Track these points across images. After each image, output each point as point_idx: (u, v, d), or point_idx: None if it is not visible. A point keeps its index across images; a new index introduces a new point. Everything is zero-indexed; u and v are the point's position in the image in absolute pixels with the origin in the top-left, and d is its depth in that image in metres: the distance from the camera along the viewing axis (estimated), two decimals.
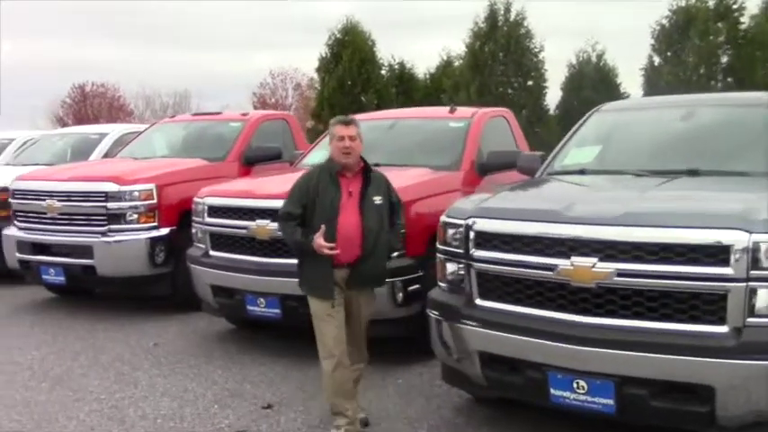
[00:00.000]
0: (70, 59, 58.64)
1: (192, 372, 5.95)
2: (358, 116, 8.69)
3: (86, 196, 7.63)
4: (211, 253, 6.47)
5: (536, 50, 15.62)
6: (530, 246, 4.04)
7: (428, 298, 4.73)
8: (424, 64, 20.41)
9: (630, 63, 30.77)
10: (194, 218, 6.73)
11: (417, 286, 5.83)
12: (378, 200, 4.62)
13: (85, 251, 7.56)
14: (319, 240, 4.39)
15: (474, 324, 4.26)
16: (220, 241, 6.41)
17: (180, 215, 7.77)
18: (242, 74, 63.11)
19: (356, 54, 17.04)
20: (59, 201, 7.73)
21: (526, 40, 15.37)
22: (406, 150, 7.23)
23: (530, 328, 3.99)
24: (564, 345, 3.84)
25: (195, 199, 6.72)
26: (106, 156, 10.66)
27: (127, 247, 7.52)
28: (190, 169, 8.19)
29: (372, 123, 7.83)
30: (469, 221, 4.34)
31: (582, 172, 5.21)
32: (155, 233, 7.60)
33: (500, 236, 4.18)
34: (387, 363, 5.91)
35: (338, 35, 17.60)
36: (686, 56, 14.27)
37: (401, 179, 6.13)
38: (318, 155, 7.75)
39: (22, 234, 8.05)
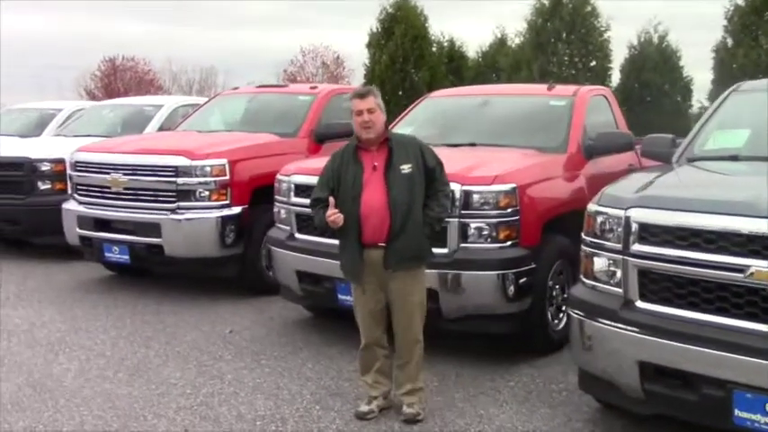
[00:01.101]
0: (95, 32, 58.13)
1: (279, 365, 5.45)
2: (443, 92, 8.23)
3: (155, 170, 7.13)
4: (297, 236, 5.96)
5: (602, 29, 14.88)
6: (712, 242, 3.47)
7: (570, 295, 4.20)
8: (475, 42, 19.74)
9: (694, 48, 29.94)
10: (277, 197, 6.21)
11: (529, 279, 5.30)
12: (406, 168, 4.19)
13: (153, 229, 7.08)
14: (328, 214, 4.18)
15: (634, 329, 3.70)
16: (309, 223, 5.88)
17: (251, 193, 7.28)
18: (268, 51, 62.36)
19: (409, 30, 16.38)
20: (125, 174, 7.24)
21: (592, 18, 14.64)
22: (502, 129, 6.68)
23: (711, 338, 3.44)
24: (757, 360, 3.29)
25: (279, 176, 6.20)
26: (161, 129, 10.20)
27: (197, 225, 7.02)
28: (262, 145, 7.68)
29: (462, 100, 7.31)
30: (630, 212, 3.77)
31: (735, 158, 4.60)
32: (226, 212, 7.10)
33: (672, 229, 3.61)
34: (486, 363, 5.42)
35: (390, 10, 16.93)
36: (764, 38, 13.47)
37: (508, 161, 5.63)
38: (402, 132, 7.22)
39: (83, 209, 7.58)
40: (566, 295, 5.87)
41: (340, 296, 5.58)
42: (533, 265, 5.32)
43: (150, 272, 8.19)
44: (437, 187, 4.31)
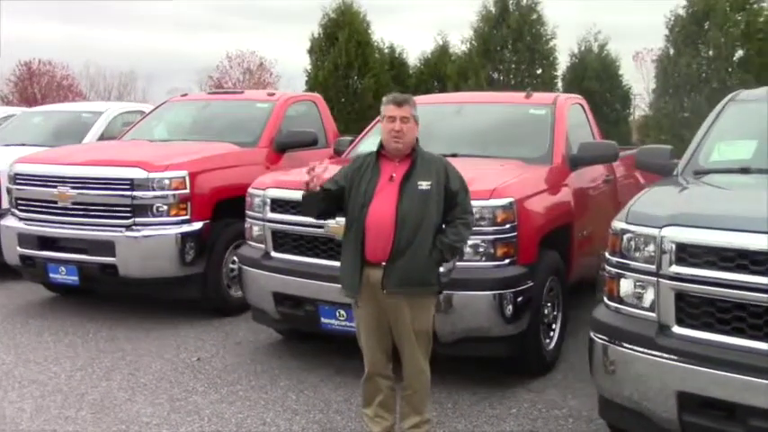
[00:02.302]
0: (6, 34, 55.46)
1: (259, 396, 5.01)
2: (417, 98, 7.88)
3: (107, 184, 6.55)
4: (274, 254, 5.52)
5: (548, 37, 14.87)
6: (761, 264, 3.25)
7: (592, 319, 3.91)
8: (415, 49, 19.52)
9: (630, 57, 30.75)
10: (249, 212, 5.76)
11: (526, 298, 5.02)
12: (424, 185, 3.83)
13: (105, 247, 6.50)
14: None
15: (673, 357, 3.45)
16: (286, 241, 5.47)
17: (213, 207, 6.80)
18: (188, 56, 60.89)
19: (353, 35, 16.03)
20: (73, 188, 6.63)
21: (538, 25, 14.61)
22: (483, 139, 6.41)
23: (759, 366, 3.21)
24: None
25: (252, 190, 5.75)
26: (102, 138, 9.57)
27: (155, 243, 6.48)
28: (222, 155, 7.19)
29: (437, 108, 6.97)
30: (666, 231, 3.52)
31: (746, 170, 4.42)
32: (186, 228, 6.59)
33: (716, 250, 3.37)
34: (480, 387, 5.14)
35: (333, 15, 16.55)
36: (705, 48, 13.69)
37: (502, 174, 5.33)
38: (374, 142, 6.85)
39: (24, 225, 6.92)
40: (555, 313, 5.65)
41: (323, 320, 5.18)
42: (531, 284, 5.04)
43: (96, 291, 7.56)
44: (457, 214, 3.92)
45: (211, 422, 4.58)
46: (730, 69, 14.29)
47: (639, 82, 29.03)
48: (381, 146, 3.99)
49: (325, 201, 3.93)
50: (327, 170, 3.93)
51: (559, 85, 15.64)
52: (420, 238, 3.83)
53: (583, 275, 6.66)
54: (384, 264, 3.83)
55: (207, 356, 5.83)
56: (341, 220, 5.01)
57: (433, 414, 4.60)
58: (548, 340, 5.52)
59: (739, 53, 14.49)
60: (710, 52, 13.98)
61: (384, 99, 4.04)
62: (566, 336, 5.78)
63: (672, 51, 14.49)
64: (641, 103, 28.53)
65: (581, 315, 6.48)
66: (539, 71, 14.95)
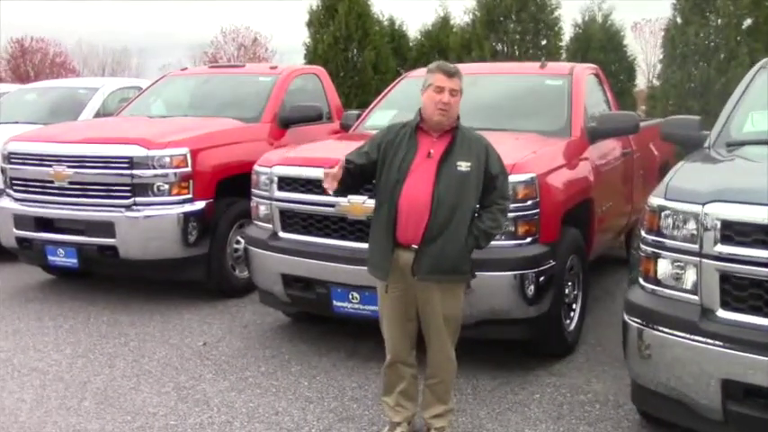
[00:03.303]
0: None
1: (270, 384, 4.79)
2: (419, 71, 7.60)
3: (106, 162, 6.28)
4: (282, 235, 5.27)
5: (553, 6, 14.51)
6: None
7: (626, 301, 3.69)
8: (416, 21, 19.14)
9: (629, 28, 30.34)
10: (255, 190, 5.50)
11: (549, 278, 4.79)
12: (464, 166, 3.57)
13: (105, 228, 6.24)
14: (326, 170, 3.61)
15: (718, 343, 3.23)
16: (295, 221, 5.22)
17: (216, 185, 6.54)
18: (182, 32, 59.97)
19: (353, 7, 15.63)
20: (70, 167, 6.36)
21: None
22: (498, 112, 6.13)
23: None
24: None
25: (257, 167, 5.49)
26: (98, 115, 9.27)
27: (156, 223, 6.23)
28: (224, 131, 6.91)
29: None
30: (709, 207, 3.28)
31: None
32: (189, 207, 6.33)
33: (764, 228, 3.13)
34: (500, 371, 4.93)
35: None
36: (714, 16, 13.35)
37: (522, 148, 5.08)
38: (382, 116, 6.59)
39: (20, 206, 6.65)
40: (576, 292, 5.43)
41: (336, 303, 4.94)
42: (553, 263, 4.81)
43: (95, 274, 7.31)
44: (494, 199, 3.67)
45: (221, 412, 4.36)
46: (739, 38, 13.99)
47: (639, 53, 28.73)
48: (420, 117, 3.70)
49: (349, 175, 3.65)
50: (341, 169, 3.63)
51: (564, 56, 15.30)
52: (455, 222, 3.58)
53: (601, 252, 6.45)
54: (416, 247, 3.59)
55: (213, 341, 5.61)
56: (353, 198, 4.82)
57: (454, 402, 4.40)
58: (568, 321, 5.30)
59: (748, 21, 14.17)
60: (719, 21, 13.63)
61: (431, 67, 3.74)
62: (585, 316, 5.56)
63: (679, 20, 14.14)
64: (640, 75, 28.24)
65: (596, 294, 6.30)
66: (543, 42, 14.57)
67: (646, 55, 32.66)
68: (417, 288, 3.67)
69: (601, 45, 16.44)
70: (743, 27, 14.06)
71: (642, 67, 27.80)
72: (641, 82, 19.87)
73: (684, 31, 14.00)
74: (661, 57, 14.91)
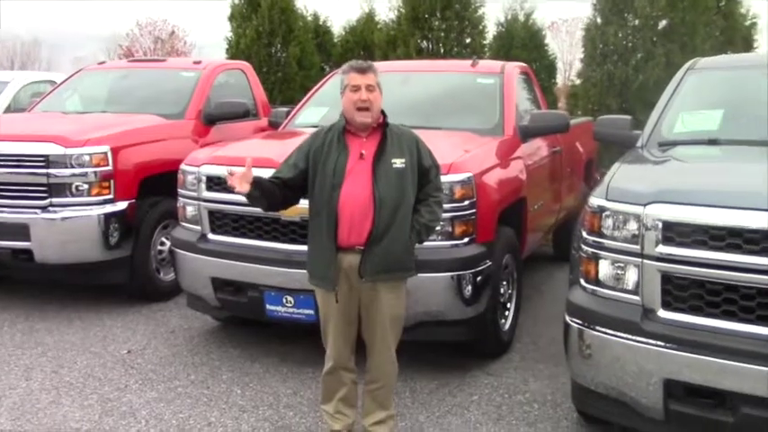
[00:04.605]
0: None
1: (200, 393, 4.60)
2: None
3: (19, 161, 5.93)
4: (211, 237, 5.07)
5: (477, 5, 14.59)
6: (755, 243, 3.05)
7: (568, 302, 3.67)
8: (341, 17, 18.97)
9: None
10: (182, 190, 5.28)
11: (485, 279, 4.76)
12: (399, 163, 3.53)
13: (19, 231, 5.89)
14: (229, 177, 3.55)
15: (660, 343, 3.24)
16: (225, 222, 5.03)
17: (138, 185, 6.27)
18: (94, 25, 58.04)
19: (276, 2, 15.36)
20: None
21: None
22: (430, 110, 6.07)
23: (754, 351, 3.04)
24: None
25: (184, 166, 5.27)
26: (8, 110, 8.80)
27: (75, 225, 5.91)
28: (147, 129, 6.63)
29: (381, 77, 6.57)
30: (650, 209, 3.29)
31: (714, 142, 4.26)
32: (109, 208, 6.04)
33: (708, 228, 3.15)
34: (436, 372, 4.89)
35: None
36: (632, 17, 13.69)
37: (457, 147, 5.02)
38: (312, 113, 6.45)
39: None
40: (510, 291, 5.43)
41: (269, 307, 4.78)
42: (489, 263, 4.78)
43: (9, 278, 6.91)
44: (429, 192, 3.63)
45: (149, 425, 4.15)
46: (655, 39, 14.40)
47: (556, 52, 29.38)
48: (345, 119, 3.60)
49: (280, 189, 3.58)
50: (250, 168, 3.54)
51: (488, 54, 15.43)
52: (399, 220, 3.51)
53: (532, 250, 6.49)
54: (361, 248, 3.49)
55: (138, 348, 5.36)
56: None
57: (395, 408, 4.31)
58: (503, 320, 5.29)
59: (663, 23, 14.61)
60: (636, 21, 13.99)
61: (343, 68, 3.67)
62: (518, 314, 5.57)
63: (599, 20, 14.46)
64: (558, 74, 28.89)
65: (526, 292, 6.33)
66: (468, 40, 14.65)
67: (562, 54, 33.42)
68: (362, 289, 3.57)
69: (523, 44, 16.64)
70: (659, 28, 14.52)
71: (559, 65, 28.46)
72: (559, 80, 20.22)
73: (604, 31, 14.32)
74: (581, 56, 15.23)
